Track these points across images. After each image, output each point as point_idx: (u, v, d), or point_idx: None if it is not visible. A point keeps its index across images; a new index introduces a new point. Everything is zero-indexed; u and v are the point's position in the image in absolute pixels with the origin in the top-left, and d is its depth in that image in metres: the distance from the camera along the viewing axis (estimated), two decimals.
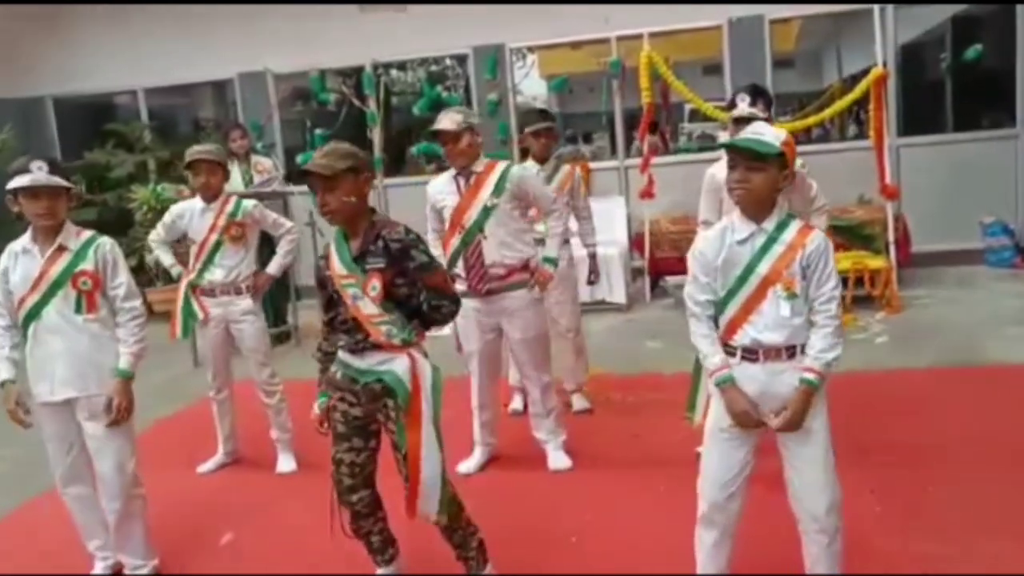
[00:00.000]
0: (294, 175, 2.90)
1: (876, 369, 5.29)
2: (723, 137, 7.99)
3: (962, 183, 7.94)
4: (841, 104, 7.41)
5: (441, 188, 4.08)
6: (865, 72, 7.29)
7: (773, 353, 2.52)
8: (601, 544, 3.40)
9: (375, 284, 2.74)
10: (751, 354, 2.54)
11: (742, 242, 2.53)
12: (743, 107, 3.82)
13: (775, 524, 2.90)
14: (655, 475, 3.94)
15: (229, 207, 4.35)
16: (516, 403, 5.05)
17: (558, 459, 4.20)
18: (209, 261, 4.32)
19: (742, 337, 2.53)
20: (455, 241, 3.97)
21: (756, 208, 2.52)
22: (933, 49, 9.61)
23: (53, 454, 3.24)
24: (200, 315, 4.34)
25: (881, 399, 4.74)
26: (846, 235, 7.23)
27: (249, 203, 4.45)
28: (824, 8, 8.44)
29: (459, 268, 3.99)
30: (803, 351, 2.53)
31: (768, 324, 2.50)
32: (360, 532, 3.03)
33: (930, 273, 7.68)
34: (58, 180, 3.02)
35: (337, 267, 2.82)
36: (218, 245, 4.31)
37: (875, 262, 6.98)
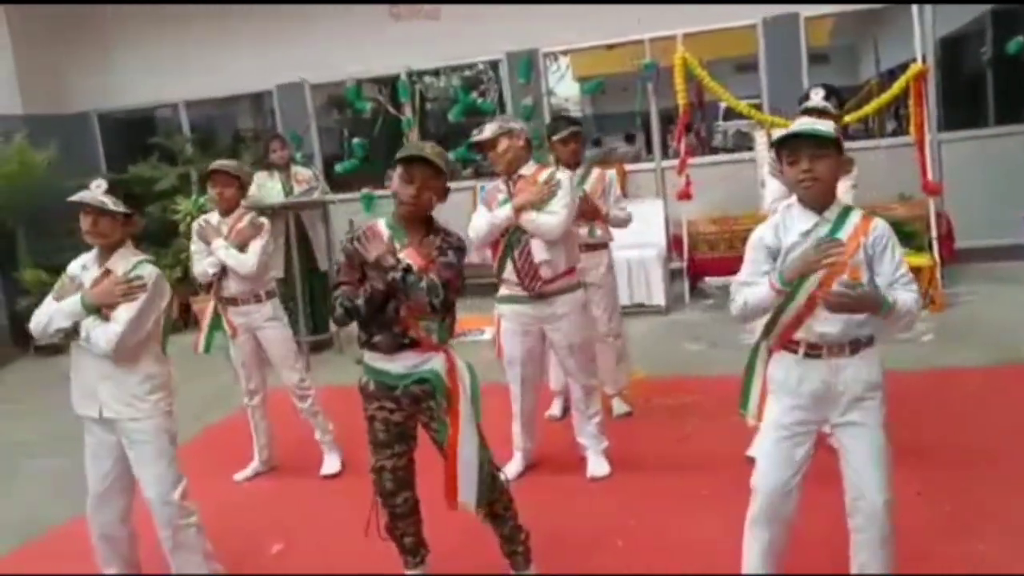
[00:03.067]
0: (399, 159, 2.92)
1: (922, 368, 5.22)
2: (759, 136, 7.96)
3: (1005, 177, 7.79)
4: (881, 101, 7.32)
5: (497, 188, 4.09)
6: (903, 66, 7.21)
7: (836, 348, 2.50)
8: (646, 548, 3.41)
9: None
10: (814, 350, 2.52)
11: (805, 233, 2.51)
12: (817, 99, 3.87)
13: (819, 523, 2.88)
14: (698, 479, 3.94)
15: (242, 222, 4.45)
16: (555, 409, 5.06)
17: (598, 466, 4.19)
18: (225, 272, 4.42)
19: (806, 332, 2.51)
20: (503, 242, 3.98)
21: (822, 198, 2.51)
22: (973, 42, 9.47)
23: (91, 475, 3.21)
24: (229, 331, 4.45)
25: (927, 398, 4.68)
26: None
27: (252, 215, 4.55)
28: (861, 5, 8.35)
29: (508, 271, 3.98)
30: (867, 345, 2.52)
31: (833, 317, 2.46)
32: (396, 532, 3.09)
33: (974, 270, 7.56)
34: (103, 200, 3.00)
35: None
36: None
37: (918, 259, 6.87)
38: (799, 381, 2.55)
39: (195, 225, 4.56)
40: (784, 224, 2.57)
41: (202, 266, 4.47)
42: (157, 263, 3.23)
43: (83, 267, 3.16)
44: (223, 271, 4.42)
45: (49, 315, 3.05)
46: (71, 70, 9.97)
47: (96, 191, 3.02)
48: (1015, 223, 7.80)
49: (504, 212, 3.91)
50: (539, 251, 3.93)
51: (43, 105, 9.59)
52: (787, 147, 2.48)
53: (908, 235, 7.15)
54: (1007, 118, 8.35)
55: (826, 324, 2.48)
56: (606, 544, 3.47)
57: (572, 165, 4.75)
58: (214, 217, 4.52)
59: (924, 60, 7.09)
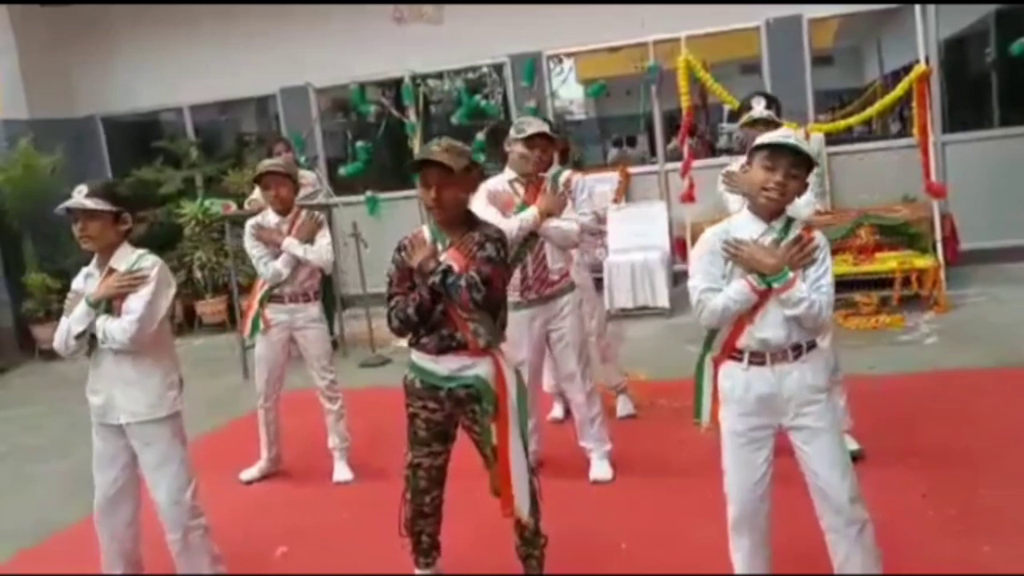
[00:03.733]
0: (411, 165, 2.93)
1: (926, 370, 5.22)
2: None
3: (1010, 179, 7.78)
4: (885, 102, 7.31)
5: (500, 193, 4.02)
6: (907, 68, 7.20)
7: (780, 354, 2.56)
8: (650, 550, 3.42)
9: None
10: (758, 357, 2.58)
11: (753, 241, 2.55)
12: (759, 108, 3.88)
13: (805, 525, 2.89)
14: (702, 481, 3.91)
15: (300, 219, 4.48)
16: (556, 411, 5.07)
17: (600, 469, 4.19)
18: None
19: (748, 339, 2.57)
20: (515, 246, 3.92)
21: (778, 210, 2.57)
22: (977, 43, 9.46)
23: (98, 478, 3.22)
24: (263, 325, 4.45)
25: (932, 400, 4.68)
26: (892, 234, 7.15)
27: (314, 215, 4.60)
28: (864, 7, 8.35)
29: (516, 275, 3.96)
30: (809, 350, 2.58)
31: (775, 323, 2.53)
32: (414, 530, 3.09)
33: (979, 272, 7.55)
34: (84, 203, 2.99)
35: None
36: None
37: (922, 261, 6.88)
38: (745, 389, 2.60)
39: (250, 229, 4.48)
40: (731, 231, 2.61)
41: (275, 267, 4.39)
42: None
43: (87, 276, 3.17)
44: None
45: (66, 328, 3.08)
46: (76, 74, 10.01)
47: (78, 196, 3.03)
48: (1019, 224, 7.81)
49: (531, 216, 3.90)
50: (554, 258, 3.95)
51: (48, 109, 9.63)
52: (767, 153, 2.51)
53: (912, 237, 7.16)
54: (1011, 119, 8.32)
55: (767, 330, 2.54)
56: (610, 546, 3.48)
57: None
58: (271, 218, 4.48)
59: (928, 62, 7.09)
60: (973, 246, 7.59)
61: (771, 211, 2.56)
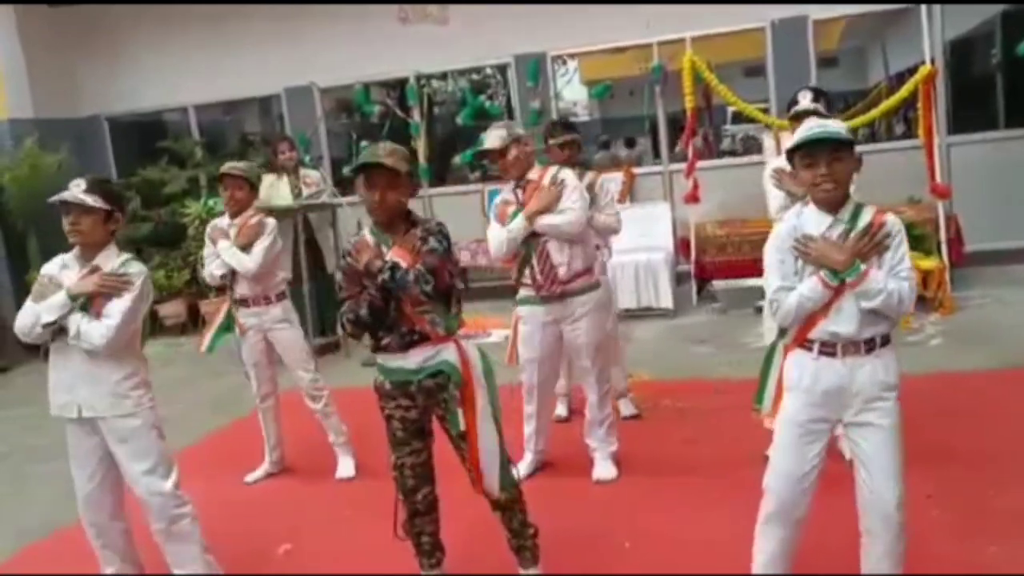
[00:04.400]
0: (352, 170, 2.97)
1: (931, 372, 5.20)
2: (767, 140, 7.96)
3: (1015, 180, 7.76)
4: (890, 103, 7.30)
5: (505, 200, 4.09)
6: (912, 69, 7.19)
7: (851, 347, 2.51)
8: (654, 550, 3.40)
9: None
10: (829, 348, 2.53)
11: (821, 236, 2.51)
12: (805, 102, 3.88)
13: (830, 527, 2.87)
14: (706, 481, 3.94)
15: (249, 224, 4.47)
16: (560, 410, 5.06)
17: (604, 469, 4.18)
18: (236, 273, 4.45)
19: (820, 332, 2.52)
20: (522, 250, 3.99)
21: (838, 199, 2.52)
22: (982, 45, 9.44)
23: (77, 477, 3.22)
24: (238, 330, 4.50)
25: (936, 402, 4.66)
26: None
27: (259, 216, 4.56)
28: (869, 7, 8.34)
29: (527, 276, 4.01)
30: (882, 344, 2.53)
31: (846, 316, 2.48)
32: (414, 531, 3.09)
33: (984, 273, 7.52)
34: (82, 198, 2.99)
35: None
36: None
37: (927, 263, 6.86)
38: (814, 379, 2.55)
39: (208, 229, 4.59)
40: (799, 225, 2.57)
41: (209, 269, 4.51)
42: (166, 266, 3.24)
43: (63, 266, 3.13)
44: (233, 273, 4.44)
45: (35, 313, 3.03)
46: (81, 74, 10.03)
47: (75, 189, 3.02)
48: None
49: (518, 224, 3.93)
50: (557, 253, 3.95)
51: (54, 109, 9.65)
52: (803, 151, 2.48)
53: (917, 238, 7.12)
54: (1016, 121, 8.31)
55: (840, 323, 2.49)
56: (614, 545, 3.47)
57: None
58: (224, 220, 4.55)
59: (933, 63, 7.07)
60: (978, 248, 7.57)
61: (833, 202, 2.51)
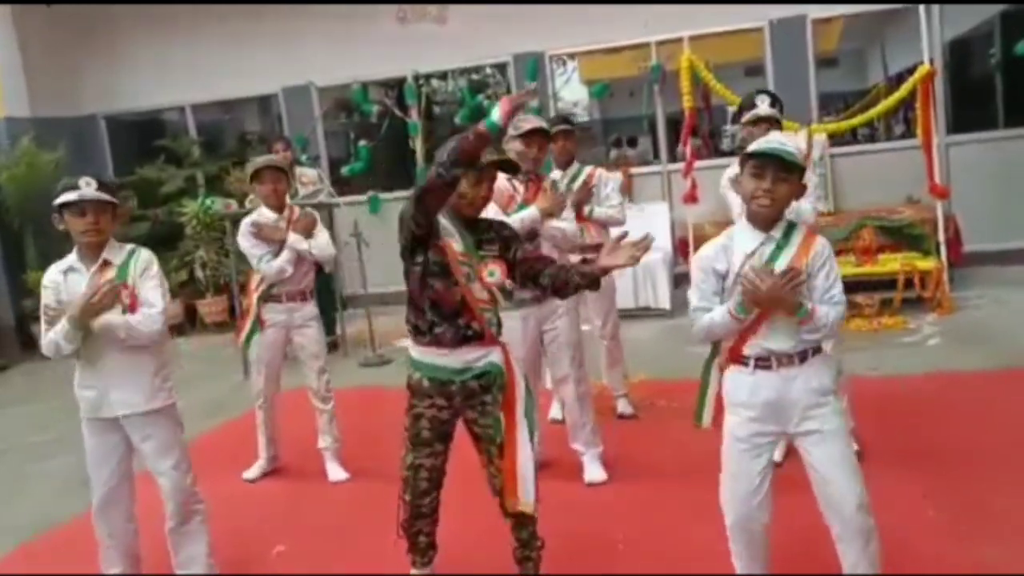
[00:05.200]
0: (498, 159, 2.89)
1: (928, 372, 5.20)
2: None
3: (1014, 181, 7.76)
4: (889, 103, 7.30)
5: (501, 190, 3.86)
6: (911, 69, 7.18)
7: (786, 359, 2.53)
8: (648, 551, 3.39)
9: (494, 270, 2.81)
10: (764, 362, 2.55)
11: (751, 254, 2.52)
12: (764, 107, 3.83)
13: (810, 529, 2.86)
14: (702, 482, 3.88)
15: (296, 215, 4.46)
16: (555, 411, 5.04)
17: (594, 472, 4.16)
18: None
19: (753, 347, 2.54)
20: None
21: (773, 217, 2.53)
22: (981, 45, 9.44)
23: (95, 476, 3.20)
24: (259, 328, 4.44)
25: (933, 402, 4.66)
26: (895, 236, 7.13)
27: (307, 211, 4.60)
28: (868, 7, 8.33)
29: None
30: (815, 353, 2.56)
31: (779, 332, 2.51)
32: (411, 531, 3.06)
33: (982, 273, 7.52)
34: (104, 195, 3.01)
35: (456, 247, 2.80)
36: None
37: (925, 263, 6.85)
38: (751, 393, 2.57)
39: (247, 228, 4.38)
40: (731, 245, 2.58)
41: (278, 264, 4.32)
42: (163, 266, 3.25)
43: (68, 270, 3.09)
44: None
45: (56, 342, 3.00)
46: (79, 73, 10.02)
47: (88, 189, 2.99)
48: (1023, 226, 7.78)
49: (531, 214, 3.83)
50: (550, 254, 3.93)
51: (51, 107, 9.64)
52: (754, 161, 2.49)
53: (916, 238, 7.14)
54: (1015, 121, 8.30)
55: (774, 340, 2.52)
56: (608, 547, 3.46)
57: (563, 164, 4.75)
58: (267, 215, 4.42)
59: (932, 62, 7.06)
60: (976, 248, 7.57)
61: (766, 219, 2.53)
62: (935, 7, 7.72)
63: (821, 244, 2.55)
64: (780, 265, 2.50)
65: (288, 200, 4.55)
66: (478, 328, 2.81)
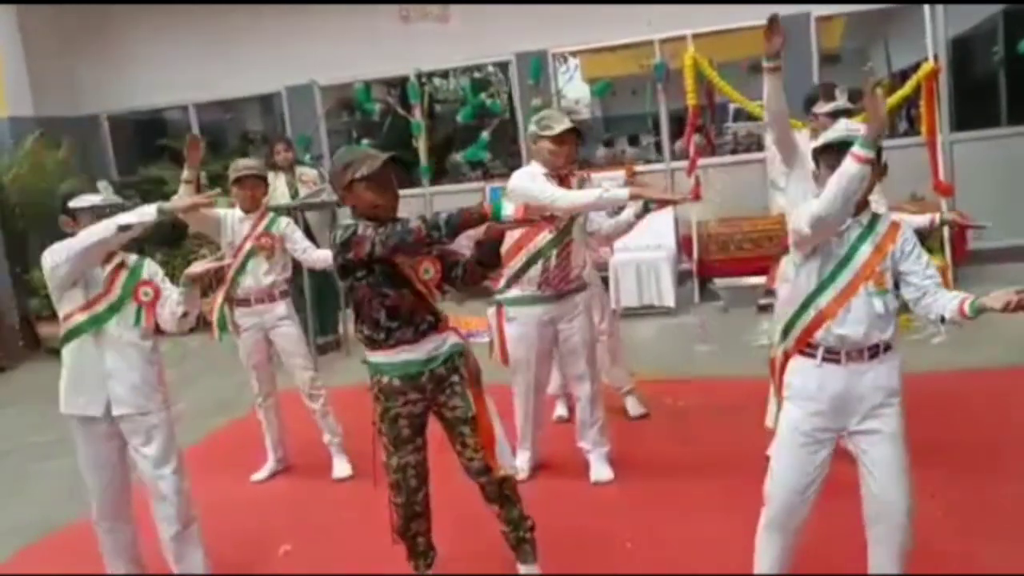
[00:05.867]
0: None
1: (933, 370, 5.19)
2: (769, 138, 7.92)
3: (1018, 178, 7.74)
4: (892, 100, 7.25)
5: (540, 175, 3.88)
6: (914, 67, 7.16)
7: (856, 353, 2.49)
8: (656, 549, 3.39)
9: (428, 267, 2.89)
10: (833, 354, 2.50)
11: (839, 233, 2.48)
12: (844, 100, 3.94)
13: (833, 531, 2.86)
14: (708, 480, 3.92)
15: (265, 220, 4.49)
16: (561, 410, 5.04)
17: (601, 471, 4.16)
18: (242, 269, 4.42)
19: (826, 335, 2.49)
20: (541, 240, 3.88)
21: (862, 204, 2.50)
22: (984, 42, 9.41)
23: (94, 481, 3.19)
24: (232, 330, 4.49)
25: (939, 401, 4.64)
26: None
27: (283, 220, 4.60)
28: (873, 6, 8.32)
29: (534, 272, 3.92)
30: (885, 350, 2.51)
31: (856, 319, 2.47)
32: (408, 533, 3.06)
33: (987, 271, 7.49)
34: (121, 200, 3.10)
35: None
36: (251, 253, 4.41)
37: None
38: (818, 387, 2.52)
39: (222, 212, 4.47)
40: None
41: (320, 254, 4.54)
42: (168, 264, 3.28)
43: None
44: (241, 268, 4.40)
45: (104, 225, 2.90)
46: (82, 72, 10.00)
47: (108, 193, 3.03)
48: None
49: (622, 194, 3.66)
50: (576, 253, 3.96)
51: (54, 107, 9.63)
52: (831, 151, 2.46)
53: (919, 236, 7.09)
54: (1019, 118, 8.29)
55: (848, 326, 2.46)
56: (616, 545, 3.46)
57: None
58: (237, 212, 4.49)
59: (936, 60, 7.05)
60: (980, 245, 7.55)
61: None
62: (939, 5, 7.70)
63: (908, 230, 2.53)
64: (864, 250, 2.48)
65: (264, 203, 4.59)
66: (432, 318, 2.91)
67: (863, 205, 2.51)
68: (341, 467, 4.55)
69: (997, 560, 3.04)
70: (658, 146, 9.49)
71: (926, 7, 6.94)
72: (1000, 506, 3.42)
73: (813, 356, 2.53)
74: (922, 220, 3.73)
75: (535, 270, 3.93)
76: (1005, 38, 8.84)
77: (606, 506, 3.86)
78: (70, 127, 9.62)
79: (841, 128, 2.53)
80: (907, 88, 7.10)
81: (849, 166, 2.31)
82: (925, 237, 6.96)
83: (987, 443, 4.05)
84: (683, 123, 8.19)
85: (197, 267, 3.18)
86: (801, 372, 2.57)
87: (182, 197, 3.04)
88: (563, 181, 3.91)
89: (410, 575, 3.15)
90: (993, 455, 3.91)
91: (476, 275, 2.95)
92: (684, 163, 8.12)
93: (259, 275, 4.42)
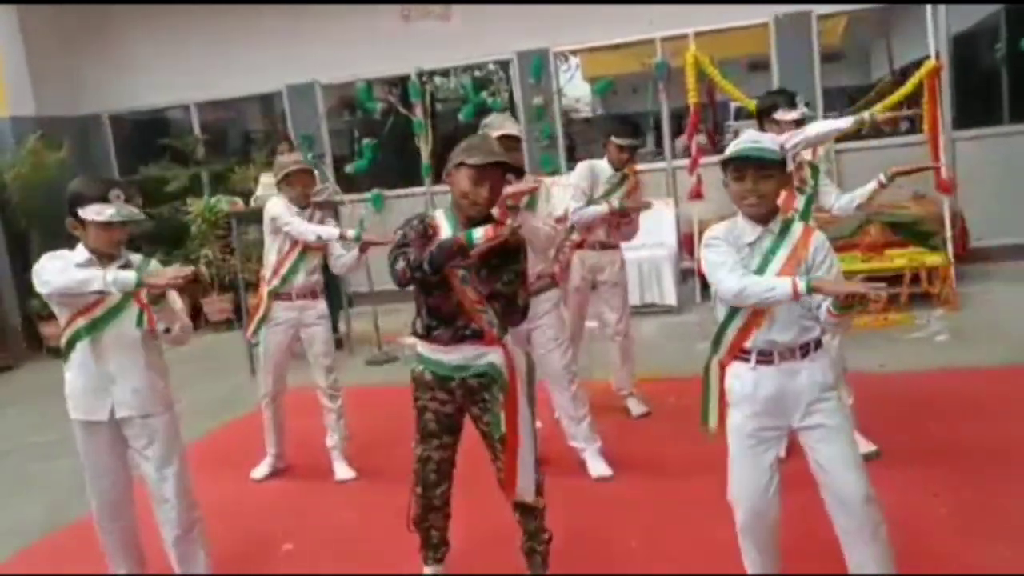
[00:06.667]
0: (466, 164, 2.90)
1: (936, 368, 5.18)
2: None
3: (1020, 175, 7.73)
4: (894, 98, 7.26)
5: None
6: (916, 64, 7.14)
7: (788, 353, 2.54)
8: (661, 549, 3.39)
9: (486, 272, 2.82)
10: (766, 356, 2.55)
11: (751, 244, 2.54)
12: (803, 108, 3.99)
13: (817, 526, 2.86)
14: (713, 480, 3.86)
15: (317, 216, 4.49)
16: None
17: (598, 467, 4.17)
18: (296, 266, 4.41)
19: (755, 340, 2.54)
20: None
21: (766, 213, 2.54)
22: (986, 40, 9.39)
23: (98, 484, 3.18)
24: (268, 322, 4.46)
25: (942, 398, 4.64)
26: (902, 232, 7.10)
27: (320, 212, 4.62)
28: (873, 5, 8.31)
29: None
30: (816, 348, 2.56)
31: (781, 324, 2.52)
32: (423, 525, 3.07)
33: (989, 269, 7.50)
34: (137, 214, 3.00)
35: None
36: (305, 250, 4.42)
37: (932, 258, 6.83)
38: (754, 388, 2.57)
39: (280, 210, 4.42)
40: (728, 233, 2.58)
41: (328, 230, 4.41)
42: (169, 264, 3.26)
43: (85, 264, 3.02)
44: (295, 265, 4.40)
45: (86, 276, 2.86)
46: (83, 72, 10.01)
47: (122, 205, 2.95)
48: None
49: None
50: (532, 261, 3.93)
51: (55, 107, 9.63)
52: (733, 165, 2.51)
53: (922, 234, 7.11)
54: (1021, 115, 8.27)
55: (777, 332, 2.52)
56: (620, 545, 3.45)
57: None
58: (294, 208, 4.44)
59: (937, 57, 7.04)
60: (982, 243, 7.55)
61: (759, 216, 2.54)
62: (941, 3, 7.68)
63: (820, 238, 2.57)
64: (779, 258, 2.51)
65: (252, 204, 4.59)
66: (476, 328, 2.84)
67: (773, 213, 2.54)
68: (343, 471, 4.54)
69: (999, 560, 3.03)
70: (659, 145, 9.47)
71: (928, 5, 6.92)
72: (1004, 506, 3.42)
73: (747, 360, 2.59)
74: (869, 187, 3.92)
75: None
76: (1007, 35, 8.82)
77: (608, 505, 3.85)
78: (71, 127, 9.64)
79: (744, 141, 2.53)
80: (909, 85, 7.09)
81: (783, 293, 2.35)
82: (924, 231, 6.94)
83: (990, 442, 4.04)
84: (684, 121, 8.18)
85: (159, 277, 2.88)
86: (737, 376, 2.63)
87: (162, 272, 2.93)
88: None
89: (411, 575, 3.15)
90: (997, 454, 3.90)
91: (508, 320, 2.91)
92: (685, 161, 8.11)
93: (308, 273, 4.43)
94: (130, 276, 2.86)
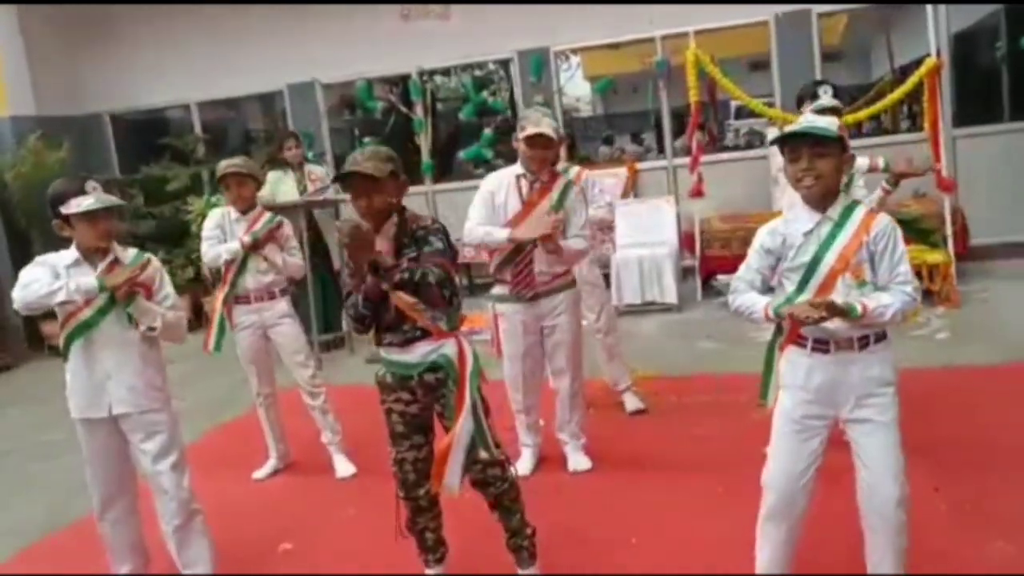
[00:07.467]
0: (335, 178, 2.96)
1: (936, 365, 5.18)
2: (771, 134, 7.92)
3: (1020, 174, 7.73)
4: (895, 96, 7.26)
5: (502, 184, 4.02)
6: (917, 63, 7.13)
7: (845, 343, 2.49)
8: (661, 546, 3.39)
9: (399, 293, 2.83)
10: (822, 345, 2.51)
11: (808, 233, 2.50)
12: (827, 99, 3.92)
13: (833, 521, 2.86)
14: (713, 477, 3.91)
15: (262, 219, 4.44)
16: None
17: (578, 461, 4.22)
18: (242, 269, 4.39)
19: (813, 328, 2.48)
20: (507, 248, 3.97)
21: (824, 196, 2.49)
22: (987, 38, 9.39)
23: (94, 475, 3.20)
24: (229, 327, 4.46)
25: (942, 396, 4.63)
26: (902, 229, 7.06)
27: (277, 218, 4.54)
28: (874, 4, 8.30)
29: (508, 273, 4.02)
30: (877, 341, 2.51)
31: None
32: (416, 528, 3.08)
33: (989, 267, 7.50)
34: (115, 200, 3.05)
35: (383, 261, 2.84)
36: (248, 253, 4.37)
37: (933, 256, 6.83)
38: (807, 375, 2.54)
39: (217, 213, 4.47)
40: (786, 225, 2.57)
41: (216, 251, 4.36)
42: (170, 263, 3.25)
43: (72, 264, 3.08)
44: (241, 267, 4.38)
45: (49, 288, 2.94)
46: (84, 71, 10.02)
47: (99, 193, 2.99)
48: None
49: (499, 239, 3.91)
50: (540, 260, 3.96)
51: (56, 106, 9.64)
52: (788, 145, 2.48)
53: (923, 232, 7.10)
54: (1022, 113, 8.27)
55: (832, 321, 2.46)
56: (620, 542, 3.45)
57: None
58: (232, 213, 4.44)
59: (938, 56, 7.03)
60: (983, 241, 7.54)
61: (817, 198, 2.49)
62: (941, 1, 7.67)
63: (884, 223, 2.50)
64: (838, 245, 2.46)
65: (261, 202, 4.57)
66: (423, 327, 2.87)
67: (832, 197, 2.50)
68: (343, 466, 4.54)
69: (1000, 556, 3.03)
70: (660, 143, 9.47)
71: (928, 3, 6.91)
72: (1005, 502, 3.41)
73: (804, 346, 2.55)
74: (875, 195, 3.88)
75: (507, 273, 4.01)
76: (1008, 34, 8.82)
77: (610, 502, 3.85)
78: (72, 126, 9.63)
79: (800, 121, 2.53)
80: (909, 84, 7.08)
81: (760, 316, 2.54)
82: (925, 226, 6.92)
83: (991, 439, 4.04)
84: (685, 120, 8.18)
85: (118, 278, 2.98)
86: (791, 362, 2.60)
87: (120, 272, 2.96)
88: (542, 188, 3.95)
89: (411, 575, 3.15)
90: (997, 451, 3.89)
91: (446, 303, 2.92)
92: (686, 160, 8.11)
93: (258, 274, 4.40)
94: (92, 282, 2.96)
